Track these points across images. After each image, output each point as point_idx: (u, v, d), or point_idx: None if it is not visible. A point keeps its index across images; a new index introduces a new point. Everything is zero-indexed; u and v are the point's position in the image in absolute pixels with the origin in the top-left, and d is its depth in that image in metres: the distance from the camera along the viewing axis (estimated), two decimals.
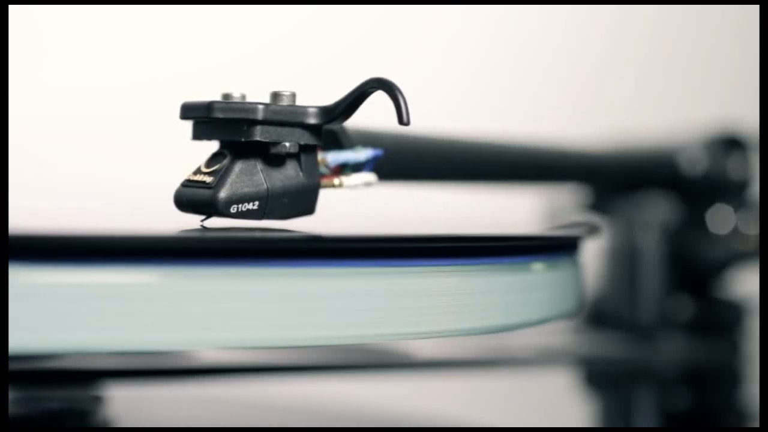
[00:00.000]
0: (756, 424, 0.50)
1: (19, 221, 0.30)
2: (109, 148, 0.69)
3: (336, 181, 0.35)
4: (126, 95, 0.69)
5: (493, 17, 0.81)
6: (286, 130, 0.33)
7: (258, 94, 0.33)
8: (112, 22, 0.70)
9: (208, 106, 0.32)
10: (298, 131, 0.33)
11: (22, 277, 0.26)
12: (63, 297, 0.27)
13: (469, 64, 0.81)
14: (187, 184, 0.33)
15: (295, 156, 0.33)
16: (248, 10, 0.73)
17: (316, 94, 0.35)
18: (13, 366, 0.30)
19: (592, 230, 0.41)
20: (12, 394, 0.43)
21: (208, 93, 0.33)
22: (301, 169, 0.33)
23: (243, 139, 0.32)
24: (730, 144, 0.60)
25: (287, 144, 0.33)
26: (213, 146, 0.34)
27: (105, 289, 0.27)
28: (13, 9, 0.64)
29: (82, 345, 0.27)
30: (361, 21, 0.77)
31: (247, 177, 0.33)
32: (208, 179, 0.32)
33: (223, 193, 0.32)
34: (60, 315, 0.27)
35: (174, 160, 0.38)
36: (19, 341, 0.26)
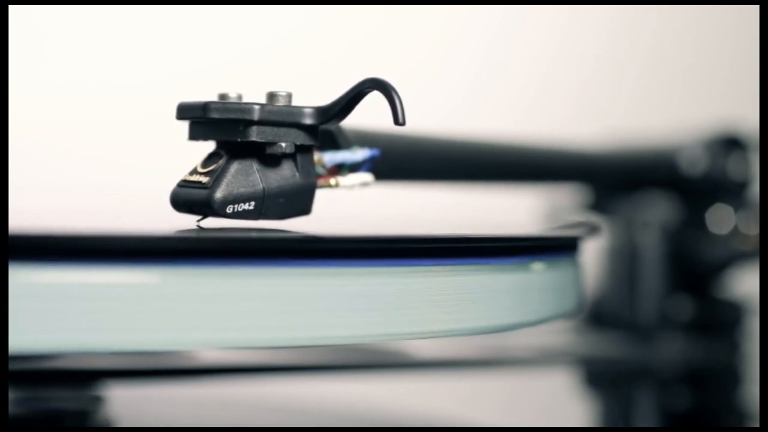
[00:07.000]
0: (756, 424, 0.50)
1: (19, 221, 0.30)
2: (106, 148, 0.69)
3: (332, 181, 0.35)
4: (123, 95, 0.69)
5: (493, 17, 0.81)
6: (282, 130, 0.33)
7: (254, 95, 0.33)
8: (110, 22, 0.70)
9: (204, 107, 0.32)
10: (294, 131, 0.33)
11: (22, 277, 0.26)
12: (62, 297, 0.27)
13: (468, 64, 0.81)
14: (183, 184, 0.33)
15: (291, 156, 0.33)
16: (245, 11, 0.73)
17: (313, 94, 0.35)
18: (13, 366, 0.30)
19: (592, 230, 0.41)
20: (12, 394, 0.43)
21: (205, 93, 0.33)
22: (298, 170, 0.33)
23: (239, 140, 0.32)
24: (730, 144, 0.60)
25: (283, 144, 0.33)
26: (209, 146, 0.34)
27: (102, 289, 0.27)
28: (13, 9, 0.64)
29: (82, 345, 0.27)
30: (357, 21, 0.77)
31: (243, 177, 0.33)
32: (204, 179, 0.32)
33: (219, 194, 0.32)
34: (60, 315, 0.26)
35: (170, 160, 0.38)
36: (19, 341, 0.26)
